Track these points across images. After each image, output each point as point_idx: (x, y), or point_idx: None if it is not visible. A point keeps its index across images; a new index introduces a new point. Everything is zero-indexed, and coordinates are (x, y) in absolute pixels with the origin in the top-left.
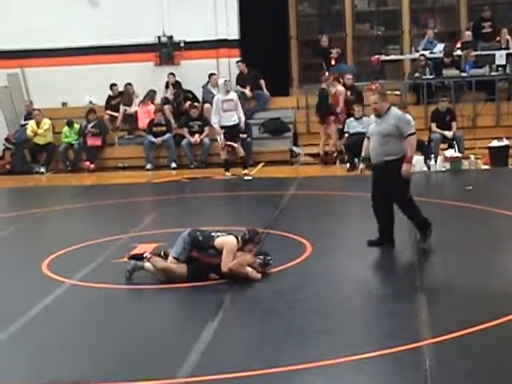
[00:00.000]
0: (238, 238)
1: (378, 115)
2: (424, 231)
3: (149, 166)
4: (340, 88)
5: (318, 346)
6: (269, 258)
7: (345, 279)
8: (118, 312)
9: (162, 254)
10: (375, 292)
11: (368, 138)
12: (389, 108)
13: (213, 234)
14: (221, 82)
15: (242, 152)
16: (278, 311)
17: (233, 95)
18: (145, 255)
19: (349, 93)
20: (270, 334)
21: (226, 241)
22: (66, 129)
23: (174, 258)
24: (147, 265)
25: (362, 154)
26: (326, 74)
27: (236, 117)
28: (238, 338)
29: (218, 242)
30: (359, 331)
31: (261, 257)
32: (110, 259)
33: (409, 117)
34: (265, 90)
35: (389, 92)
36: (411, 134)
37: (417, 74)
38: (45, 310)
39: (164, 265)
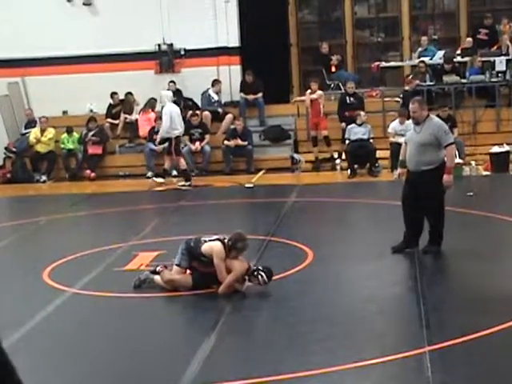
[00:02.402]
0: (223, 243)
1: (417, 123)
2: (435, 244)
3: (150, 174)
4: None
5: (320, 353)
6: (262, 274)
7: (347, 286)
8: (119, 321)
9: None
10: (377, 298)
11: (405, 143)
12: (428, 116)
13: (201, 239)
14: (170, 93)
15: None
16: (279, 318)
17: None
18: (157, 269)
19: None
20: (272, 342)
21: (212, 248)
22: (64, 136)
23: (176, 265)
24: (157, 277)
25: (401, 158)
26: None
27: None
28: (239, 346)
29: (204, 248)
30: (362, 338)
31: (262, 274)
32: (111, 268)
33: (446, 126)
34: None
35: (389, 99)
36: (450, 144)
37: (417, 81)
38: (46, 318)
39: (168, 277)
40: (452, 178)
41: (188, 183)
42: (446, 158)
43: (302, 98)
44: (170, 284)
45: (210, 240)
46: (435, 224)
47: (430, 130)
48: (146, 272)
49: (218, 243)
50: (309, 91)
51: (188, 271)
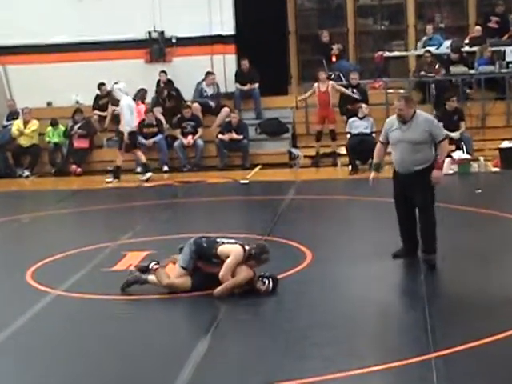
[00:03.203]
0: (244, 248)
1: (404, 121)
2: (432, 251)
3: (139, 169)
4: None
5: (318, 359)
6: (269, 281)
7: (347, 289)
8: (107, 324)
9: (171, 263)
10: (379, 302)
11: (382, 143)
12: (414, 112)
13: (218, 240)
14: (123, 85)
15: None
16: (276, 322)
17: None
18: (151, 266)
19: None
20: (268, 347)
21: (231, 250)
22: (49, 129)
23: (182, 267)
24: (151, 277)
25: (375, 160)
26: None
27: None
28: (234, 352)
29: (221, 249)
30: (363, 344)
31: (268, 280)
32: (99, 268)
33: (436, 120)
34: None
35: (392, 90)
36: (444, 139)
37: (422, 72)
38: (29, 322)
39: (167, 282)
40: (442, 173)
41: (115, 180)
42: (438, 154)
43: (307, 94)
44: (169, 288)
45: (228, 242)
46: (429, 225)
47: (422, 126)
48: (135, 273)
49: (239, 247)
50: (316, 84)
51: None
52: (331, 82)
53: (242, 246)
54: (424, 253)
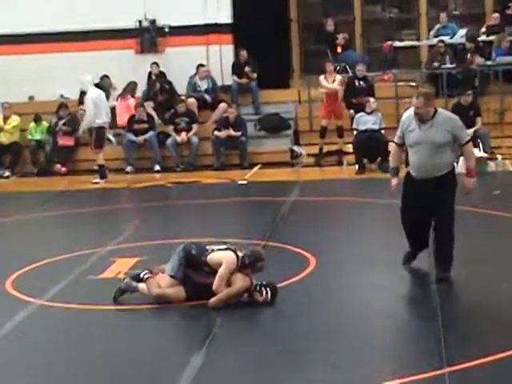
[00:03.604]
0: (237, 255)
1: (422, 121)
2: (447, 268)
3: (129, 169)
4: None
5: (323, 373)
6: (267, 290)
7: (353, 298)
8: (93, 337)
9: (160, 272)
10: (388, 313)
11: (398, 144)
12: (436, 111)
13: (207, 247)
14: (90, 77)
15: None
16: (276, 334)
17: None
18: (142, 275)
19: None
20: (268, 358)
21: (222, 258)
22: (31, 125)
23: (171, 276)
24: (142, 286)
25: (393, 164)
26: None
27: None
28: (231, 363)
29: (211, 257)
30: (370, 358)
31: (266, 290)
32: (85, 276)
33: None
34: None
35: (403, 83)
36: (469, 141)
37: (435, 63)
38: (9, 334)
39: (158, 292)
40: (475, 180)
41: (103, 181)
42: (463, 159)
43: (322, 89)
44: (161, 299)
45: (219, 249)
46: (447, 238)
47: (444, 126)
48: (126, 280)
49: (231, 254)
50: (322, 77)
51: None
52: (339, 77)
53: (235, 251)
54: (438, 270)
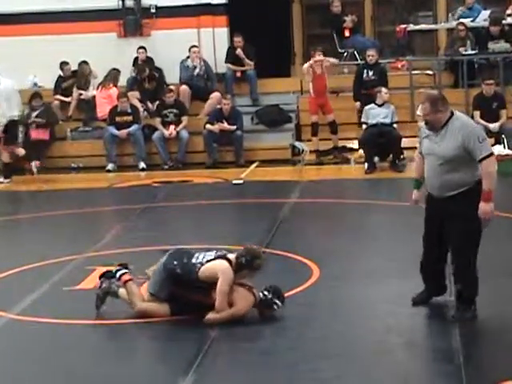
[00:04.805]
0: (229, 260)
1: (434, 129)
2: (467, 306)
3: (110, 167)
4: None
5: None
6: (276, 301)
7: (361, 312)
8: (68, 356)
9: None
10: (400, 329)
11: (421, 154)
12: (450, 117)
13: (194, 261)
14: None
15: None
16: (276, 353)
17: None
18: (118, 275)
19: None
20: (267, 382)
21: (217, 270)
22: None
23: (151, 294)
24: (122, 291)
25: (414, 176)
26: None
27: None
28: None
29: (203, 272)
30: (382, 378)
31: (266, 293)
32: (60, 286)
33: (480, 130)
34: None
35: (418, 72)
36: (488, 156)
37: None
38: None
39: (140, 308)
40: (493, 206)
41: (7, 181)
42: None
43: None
44: (143, 315)
45: (208, 260)
46: (465, 276)
47: (455, 136)
48: (103, 283)
49: (224, 262)
50: (307, 65)
51: None
52: (333, 60)
53: (225, 257)
54: (458, 304)
